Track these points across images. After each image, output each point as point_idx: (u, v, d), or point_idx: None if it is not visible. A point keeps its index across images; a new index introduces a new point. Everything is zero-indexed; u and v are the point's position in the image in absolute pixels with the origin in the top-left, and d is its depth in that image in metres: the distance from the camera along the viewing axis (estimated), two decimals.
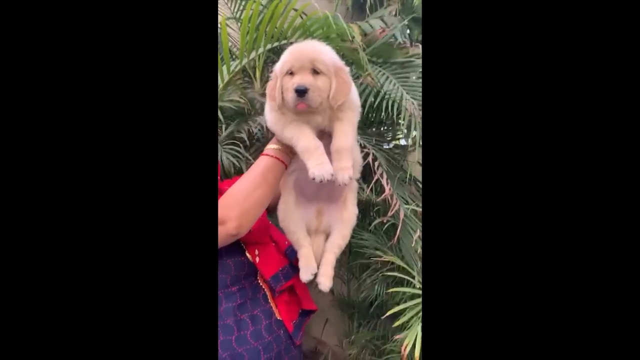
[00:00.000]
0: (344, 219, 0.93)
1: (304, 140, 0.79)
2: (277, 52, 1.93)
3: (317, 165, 0.77)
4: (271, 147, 0.87)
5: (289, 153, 0.85)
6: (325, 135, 0.85)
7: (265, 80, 1.98)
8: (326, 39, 1.58)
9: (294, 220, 0.91)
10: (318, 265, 0.91)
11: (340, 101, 0.81)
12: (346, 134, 0.82)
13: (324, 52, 0.81)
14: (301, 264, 0.89)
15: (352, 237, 1.71)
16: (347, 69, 0.85)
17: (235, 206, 0.79)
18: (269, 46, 1.52)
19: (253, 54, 1.56)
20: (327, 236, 0.94)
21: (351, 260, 1.76)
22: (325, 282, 0.89)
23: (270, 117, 0.85)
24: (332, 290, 2.07)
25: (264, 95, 1.93)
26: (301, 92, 0.75)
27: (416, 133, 1.53)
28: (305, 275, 0.89)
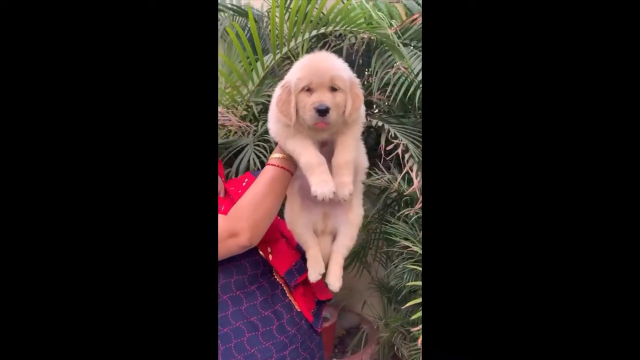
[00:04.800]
0: (350, 221, 0.93)
1: (307, 155, 0.80)
2: (320, 39, 1.96)
3: (320, 182, 0.78)
4: (276, 156, 0.88)
5: (294, 161, 0.86)
6: (327, 145, 0.86)
7: None
8: (368, 25, 1.57)
9: (301, 224, 0.93)
10: (326, 265, 0.93)
11: (354, 116, 0.81)
12: (348, 148, 0.82)
13: (342, 68, 0.80)
14: (309, 265, 0.93)
15: (386, 224, 1.75)
16: (358, 80, 0.84)
17: (247, 218, 0.82)
18: (314, 32, 1.55)
19: (292, 43, 1.60)
20: (334, 236, 0.96)
21: (386, 246, 1.79)
22: (335, 282, 0.92)
23: (274, 127, 0.86)
24: (370, 273, 2.13)
25: None
26: (323, 112, 0.75)
27: None
28: (313, 276, 0.92)
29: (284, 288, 0.99)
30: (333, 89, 0.78)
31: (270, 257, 0.96)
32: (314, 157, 0.80)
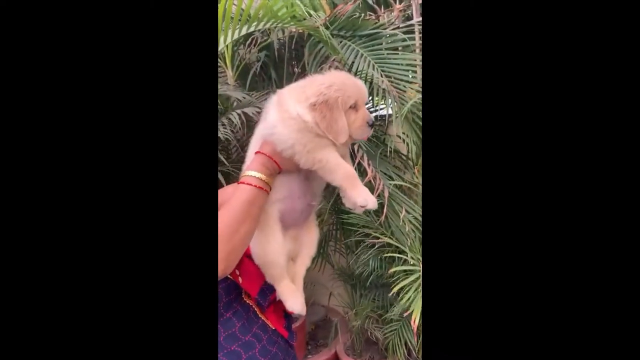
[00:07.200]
0: (312, 240, 0.93)
1: (346, 166, 0.78)
2: (247, 36, 1.89)
3: (366, 193, 0.77)
4: (252, 174, 0.78)
5: (272, 181, 0.80)
6: None
7: (236, 66, 1.94)
8: (292, 18, 1.54)
9: (282, 254, 0.86)
10: None
11: None
12: (349, 160, 0.84)
13: None
14: (287, 297, 0.88)
15: (342, 215, 1.78)
16: None
17: (220, 247, 0.74)
18: (244, 30, 1.48)
19: (222, 44, 1.53)
20: (293, 258, 0.94)
21: (345, 237, 1.82)
22: (303, 308, 0.90)
23: (295, 135, 0.78)
24: (332, 264, 2.16)
25: (238, 86, 1.92)
26: (373, 125, 0.82)
27: (392, 106, 1.53)
28: (298, 307, 0.87)
29: (256, 309, 0.95)
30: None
31: (240, 279, 0.90)
32: (350, 168, 0.79)
